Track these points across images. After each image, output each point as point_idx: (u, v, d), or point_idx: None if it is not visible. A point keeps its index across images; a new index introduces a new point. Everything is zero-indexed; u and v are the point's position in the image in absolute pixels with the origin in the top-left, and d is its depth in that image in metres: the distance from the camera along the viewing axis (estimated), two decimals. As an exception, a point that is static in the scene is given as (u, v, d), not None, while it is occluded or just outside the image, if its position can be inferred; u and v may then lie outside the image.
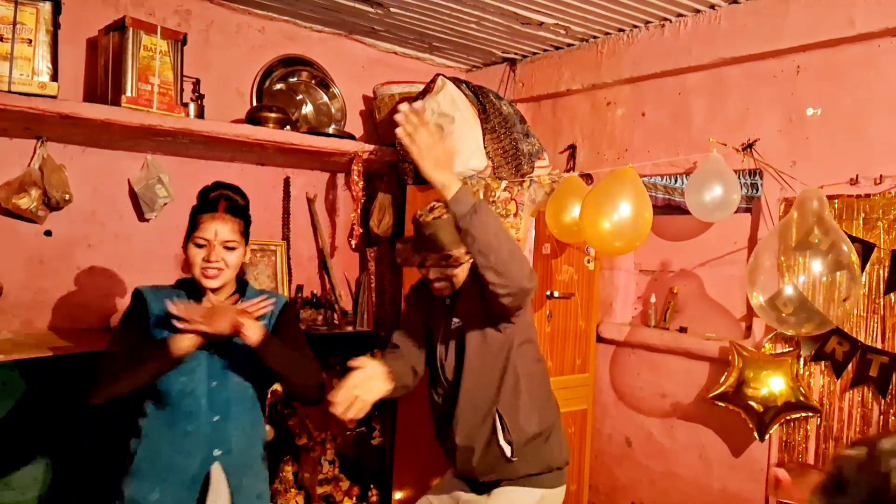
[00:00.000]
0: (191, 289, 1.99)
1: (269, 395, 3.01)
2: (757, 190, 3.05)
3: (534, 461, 2.13)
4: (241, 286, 2.06)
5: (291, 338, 2.04)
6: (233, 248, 1.96)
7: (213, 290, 1.96)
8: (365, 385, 2.00)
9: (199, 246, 1.93)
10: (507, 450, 2.08)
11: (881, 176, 2.66)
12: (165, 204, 3.13)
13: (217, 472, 1.92)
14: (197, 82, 3.15)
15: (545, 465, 2.15)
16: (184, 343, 1.84)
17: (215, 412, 1.93)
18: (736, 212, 2.90)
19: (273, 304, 2.02)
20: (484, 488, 2.17)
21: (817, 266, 2.54)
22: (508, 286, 1.88)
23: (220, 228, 1.94)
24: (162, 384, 1.88)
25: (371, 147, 3.36)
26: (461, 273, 2.19)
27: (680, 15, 3.20)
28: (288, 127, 3.16)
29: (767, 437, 2.86)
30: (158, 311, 1.92)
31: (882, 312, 2.64)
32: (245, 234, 2.01)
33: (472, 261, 2.14)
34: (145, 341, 1.91)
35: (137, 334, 1.92)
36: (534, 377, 2.17)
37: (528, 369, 2.16)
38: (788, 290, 2.57)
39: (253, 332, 1.87)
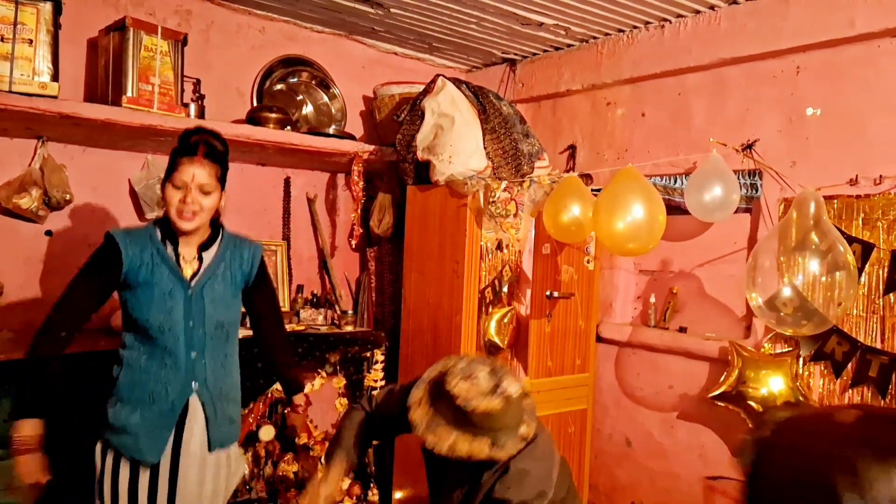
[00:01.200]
0: (165, 228, 2.07)
1: (269, 395, 3.02)
2: (756, 190, 3.06)
3: None
4: (216, 230, 2.16)
5: (269, 291, 2.32)
6: (208, 193, 2.03)
7: (188, 232, 2.05)
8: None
9: (177, 188, 2.01)
10: None
11: (881, 176, 2.66)
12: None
13: (194, 402, 2.08)
14: (197, 82, 3.16)
15: None
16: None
17: (192, 349, 2.06)
18: (735, 212, 2.91)
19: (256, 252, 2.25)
20: None
21: (815, 266, 2.54)
22: None
23: (197, 172, 2.00)
24: (142, 318, 2.01)
25: (371, 147, 3.36)
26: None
27: (680, 15, 3.21)
28: (288, 127, 3.16)
29: (767, 436, 2.86)
30: (132, 256, 2.01)
31: (882, 312, 2.64)
32: (222, 179, 2.08)
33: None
34: (107, 289, 2.03)
35: (100, 282, 2.02)
36: None
37: None
38: (786, 291, 2.58)
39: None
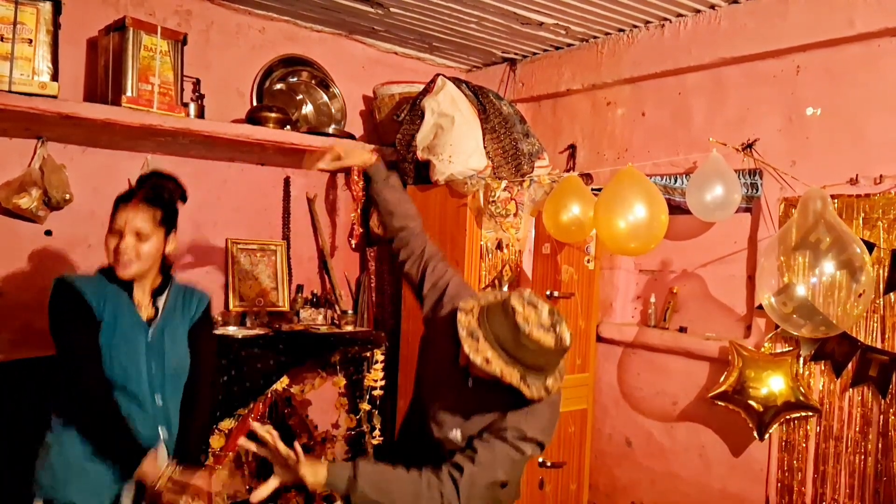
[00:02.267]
0: (112, 275, 1.98)
1: (268, 395, 3.02)
2: (757, 190, 3.05)
3: None
4: (167, 277, 2.09)
5: (205, 345, 2.15)
6: (145, 239, 1.96)
7: (127, 279, 1.97)
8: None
9: (113, 235, 1.96)
10: None
11: (881, 176, 2.66)
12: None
13: (162, 451, 1.98)
14: (197, 82, 3.15)
15: None
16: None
17: (156, 394, 1.99)
18: (736, 212, 2.91)
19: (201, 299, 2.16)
20: None
21: (829, 267, 2.54)
22: None
23: (130, 217, 1.94)
24: (107, 366, 1.91)
25: (371, 147, 3.36)
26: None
27: (680, 15, 3.21)
28: (288, 127, 3.16)
29: (767, 436, 2.87)
30: (93, 296, 1.92)
31: (882, 312, 2.64)
32: (164, 223, 2.00)
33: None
34: (95, 341, 1.90)
35: (90, 338, 1.90)
36: None
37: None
38: (801, 291, 2.57)
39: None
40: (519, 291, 1.81)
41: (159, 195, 2.01)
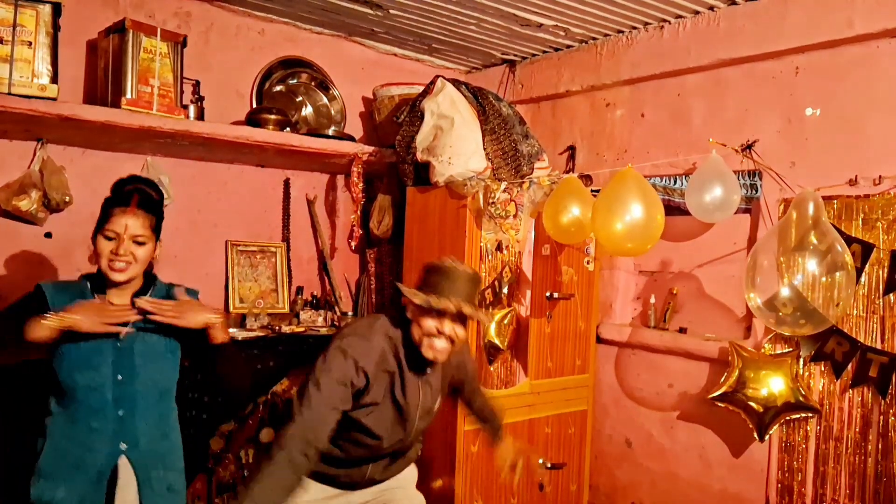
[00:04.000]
0: (96, 282, 1.97)
1: (269, 397, 3.02)
2: (756, 191, 3.06)
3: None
4: (149, 281, 2.05)
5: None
6: (142, 244, 1.95)
7: (120, 284, 1.95)
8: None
9: (109, 239, 1.93)
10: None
11: (880, 176, 2.66)
12: (165, 206, 3.12)
13: (124, 466, 1.92)
14: (197, 84, 3.16)
15: None
16: (40, 331, 1.79)
17: (120, 407, 1.92)
18: (735, 212, 2.91)
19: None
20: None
21: (814, 266, 2.54)
22: None
23: (130, 222, 1.93)
24: (67, 379, 1.87)
25: (371, 148, 3.36)
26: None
27: (679, 16, 3.21)
28: (288, 129, 3.16)
29: (767, 437, 2.87)
30: (58, 305, 1.87)
31: (882, 312, 2.65)
32: (156, 229, 2.01)
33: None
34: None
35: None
36: None
37: None
38: (785, 291, 2.58)
39: (220, 332, 1.99)
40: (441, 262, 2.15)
41: (152, 201, 2.00)
